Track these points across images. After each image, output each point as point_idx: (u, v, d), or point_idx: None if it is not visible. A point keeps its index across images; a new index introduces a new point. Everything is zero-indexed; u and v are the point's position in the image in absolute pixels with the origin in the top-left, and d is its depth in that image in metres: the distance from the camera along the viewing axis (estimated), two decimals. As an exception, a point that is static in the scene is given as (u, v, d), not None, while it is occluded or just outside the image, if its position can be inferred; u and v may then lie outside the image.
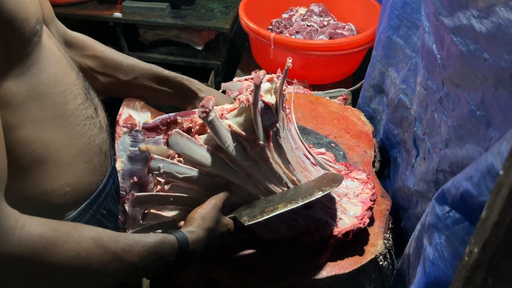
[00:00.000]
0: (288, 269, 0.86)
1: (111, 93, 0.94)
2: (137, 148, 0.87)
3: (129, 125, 0.89)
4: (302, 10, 1.93)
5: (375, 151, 1.16)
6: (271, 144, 0.81)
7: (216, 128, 0.76)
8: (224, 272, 0.87)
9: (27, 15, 0.58)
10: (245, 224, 0.76)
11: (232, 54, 2.12)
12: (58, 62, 0.69)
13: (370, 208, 0.94)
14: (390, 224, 0.97)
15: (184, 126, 0.87)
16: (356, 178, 1.01)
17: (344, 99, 1.55)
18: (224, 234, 0.76)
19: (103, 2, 1.99)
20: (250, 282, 0.86)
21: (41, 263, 0.54)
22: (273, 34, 1.55)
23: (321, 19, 1.85)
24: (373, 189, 0.99)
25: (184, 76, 0.96)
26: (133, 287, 0.99)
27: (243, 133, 0.78)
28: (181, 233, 0.70)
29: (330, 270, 0.86)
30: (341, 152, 1.15)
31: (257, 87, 0.76)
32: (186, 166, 0.79)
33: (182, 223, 0.78)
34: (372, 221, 0.95)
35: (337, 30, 1.75)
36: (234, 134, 0.78)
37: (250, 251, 0.89)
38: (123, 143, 0.88)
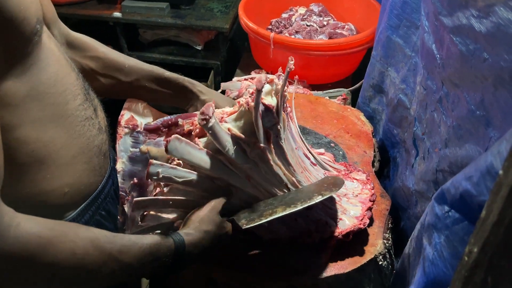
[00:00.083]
0: (288, 269, 0.86)
1: (113, 94, 0.93)
2: (138, 149, 0.87)
3: (130, 126, 0.89)
4: (301, 10, 1.93)
5: (374, 151, 1.16)
6: (272, 146, 0.81)
7: (216, 134, 0.76)
8: (224, 272, 0.87)
9: (27, 14, 0.58)
10: (243, 228, 0.76)
11: (232, 54, 2.12)
12: (58, 62, 0.69)
13: (370, 209, 0.94)
14: (389, 224, 0.97)
15: (185, 128, 0.86)
16: (356, 179, 1.01)
17: (343, 99, 1.55)
18: (222, 236, 0.76)
19: (102, 2, 1.99)
20: (250, 282, 0.86)
21: (36, 262, 0.54)
22: (273, 34, 1.55)
23: (321, 19, 1.85)
24: (372, 189, 0.99)
25: (186, 78, 0.95)
26: (132, 287, 0.99)
27: (243, 136, 0.78)
28: (178, 235, 0.70)
29: (330, 270, 0.86)
30: (340, 152, 1.15)
31: (259, 91, 0.75)
32: (185, 170, 0.79)
33: (180, 223, 0.78)
34: (371, 221, 0.95)
35: (337, 30, 1.75)
36: (234, 138, 0.78)
37: (250, 251, 0.89)
38: (124, 144, 0.88)
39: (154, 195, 0.83)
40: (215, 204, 0.78)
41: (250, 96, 0.79)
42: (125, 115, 0.90)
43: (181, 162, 0.81)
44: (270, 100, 0.79)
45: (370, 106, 1.41)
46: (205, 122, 0.75)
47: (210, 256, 0.80)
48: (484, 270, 0.38)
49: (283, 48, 1.55)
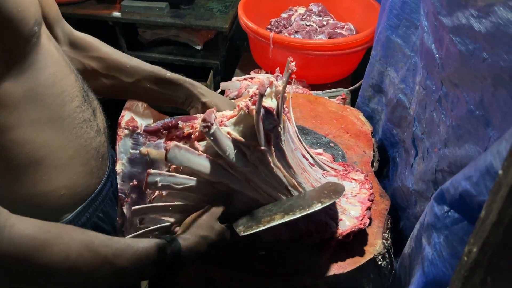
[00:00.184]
0: (288, 269, 0.86)
1: (114, 94, 0.93)
2: (138, 151, 0.87)
3: (130, 128, 0.88)
4: (301, 10, 1.93)
5: (374, 151, 1.16)
6: (272, 148, 0.81)
7: (217, 140, 0.76)
8: (223, 272, 0.87)
9: (26, 15, 0.58)
10: (240, 235, 0.76)
11: (231, 53, 2.12)
12: (56, 64, 0.68)
13: (369, 208, 0.94)
14: (389, 224, 0.97)
15: (185, 131, 0.86)
16: (354, 179, 1.01)
17: (343, 98, 1.55)
18: (219, 242, 0.76)
19: (102, 2, 1.99)
20: (250, 282, 0.86)
21: (29, 264, 0.54)
22: (272, 34, 1.55)
23: (320, 18, 1.85)
24: (370, 189, 0.99)
25: (187, 79, 0.95)
26: (131, 286, 0.98)
27: (243, 139, 0.78)
28: (175, 239, 0.70)
29: (329, 269, 0.86)
30: (340, 152, 1.15)
31: (262, 95, 0.75)
32: (184, 176, 0.79)
33: (177, 228, 0.78)
34: (370, 221, 0.95)
35: (336, 30, 1.75)
36: (234, 142, 0.78)
37: (250, 251, 0.89)
38: (124, 145, 0.87)
39: (153, 198, 0.83)
40: (214, 210, 0.78)
41: (249, 99, 0.79)
42: (125, 116, 0.90)
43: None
44: (270, 103, 0.78)
45: (369, 106, 1.41)
46: (207, 130, 0.75)
47: (209, 257, 0.80)
48: (483, 270, 0.38)
49: (283, 48, 1.55)
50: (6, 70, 0.59)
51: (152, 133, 0.88)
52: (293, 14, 1.90)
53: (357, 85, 1.61)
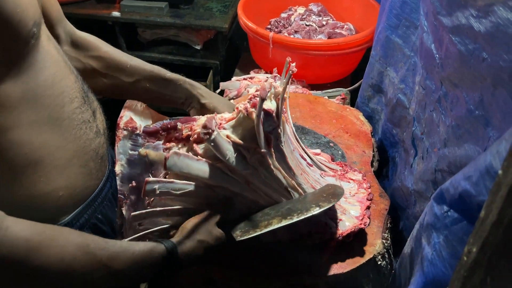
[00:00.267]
0: (288, 269, 0.86)
1: (114, 94, 0.93)
2: (137, 152, 0.87)
3: (129, 128, 0.88)
4: (301, 10, 1.93)
5: (373, 151, 1.16)
6: (272, 150, 0.81)
7: (218, 146, 0.76)
8: (223, 272, 0.87)
9: (24, 17, 0.58)
10: (237, 240, 0.76)
11: (231, 53, 2.12)
12: (56, 65, 0.68)
13: (368, 207, 0.94)
14: (388, 224, 0.97)
15: (184, 133, 0.86)
16: (352, 179, 1.01)
17: (342, 98, 1.55)
18: (216, 247, 0.76)
19: (101, 1, 1.99)
20: (249, 282, 0.86)
21: (24, 266, 0.54)
22: (272, 34, 1.55)
23: (320, 18, 1.85)
24: (368, 188, 0.99)
25: (187, 80, 0.94)
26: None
27: (243, 143, 0.78)
28: (171, 243, 0.70)
29: (329, 269, 0.86)
30: (339, 152, 1.15)
31: (263, 100, 0.75)
32: (182, 182, 0.79)
33: (174, 232, 0.78)
34: (369, 220, 0.95)
35: (336, 30, 1.75)
36: (234, 145, 0.78)
37: (250, 251, 0.89)
38: (123, 146, 0.87)
39: (152, 200, 0.83)
40: (213, 214, 0.78)
41: (248, 102, 0.79)
42: (124, 117, 0.89)
43: None
44: (270, 104, 0.78)
45: (369, 106, 1.41)
46: (208, 136, 0.75)
47: (207, 259, 0.80)
48: (483, 270, 0.38)
49: (282, 47, 1.55)
50: (5, 71, 0.58)
51: (151, 134, 0.88)
52: (292, 14, 1.90)
53: (356, 85, 1.61)
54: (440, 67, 0.81)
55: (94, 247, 0.60)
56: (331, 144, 1.17)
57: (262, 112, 0.76)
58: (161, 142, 0.87)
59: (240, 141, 0.78)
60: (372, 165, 1.12)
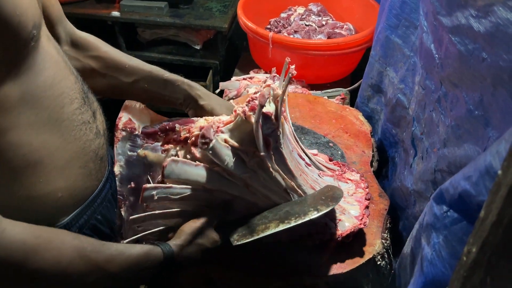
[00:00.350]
0: (288, 269, 0.86)
1: (113, 94, 0.92)
2: (135, 153, 0.86)
3: (128, 129, 0.88)
4: (300, 10, 1.93)
5: (373, 151, 1.16)
6: (271, 153, 0.80)
7: (217, 154, 0.76)
8: (223, 272, 0.87)
9: (24, 19, 0.57)
10: (234, 244, 0.76)
11: (231, 53, 2.12)
12: (55, 66, 0.68)
13: (366, 207, 0.94)
14: (388, 224, 0.97)
15: (182, 135, 0.86)
16: (350, 179, 1.01)
17: (342, 98, 1.55)
18: (214, 250, 0.76)
19: (101, 1, 1.99)
20: (249, 282, 0.86)
21: (20, 270, 0.54)
22: (272, 34, 1.55)
23: (320, 18, 1.85)
24: (366, 188, 0.99)
25: (185, 80, 0.93)
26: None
27: (241, 147, 0.78)
28: (168, 246, 0.70)
29: (329, 269, 0.86)
30: (339, 152, 1.15)
31: (262, 106, 0.75)
32: (181, 186, 0.79)
33: (173, 235, 0.78)
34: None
35: (336, 30, 1.75)
36: (232, 149, 0.78)
37: (250, 251, 0.89)
38: (122, 147, 0.87)
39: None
40: (211, 217, 0.78)
41: (246, 105, 0.78)
42: (123, 118, 0.89)
43: None
44: (268, 107, 0.77)
45: (368, 106, 1.41)
46: (206, 146, 0.74)
47: (205, 261, 0.80)
48: (483, 270, 0.38)
49: (282, 47, 1.55)
50: (4, 73, 0.58)
51: (149, 135, 0.88)
52: (292, 14, 1.90)
53: (356, 85, 1.61)
54: (440, 67, 0.81)
55: (90, 250, 0.60)
56: (330, 144, 1.17)
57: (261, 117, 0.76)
58: (159, 143, 0.87)
59: (240, 146, 0.78)
60: (371, 165, 1.12)
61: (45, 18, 0.71)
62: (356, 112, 1.30)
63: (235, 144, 0.78)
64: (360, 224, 0.89)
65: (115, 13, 1.92)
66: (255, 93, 0.80)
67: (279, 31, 1.81)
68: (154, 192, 0.77)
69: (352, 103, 1.58)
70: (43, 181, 0.65)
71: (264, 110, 0.76)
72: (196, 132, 0.83)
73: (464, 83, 0.71)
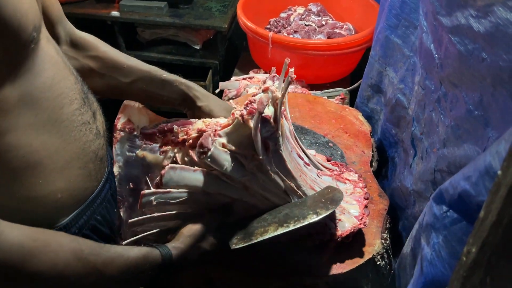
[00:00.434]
0: (288, 269, 0.86)
1: (112, 95, 0.92)
2: (134, 154, 0.86)
3: (127, 130, 0.88)
4: (300, 10, 1.93)
5: (372, 151, 1.16)
6: (270, 155, 0.80)
7: (215, 161, 0.75)
8: (223, 272, 0.87)
9: (24, 21, 0.57)
10: (232, 248, 0.76)
11: (230, 53, 2.12)
12: (55, 67, 0.67)
13: (365, 207, 0.94)
14: (387, 224, 0.97)
15: (179, 137, 0.86)
16: (348, 179, 1.01)
17: (342, 98, 1.55)
18: (212, 252, 0.76)
19: (100, 1, 1.99)
20: (249, 282, 0.86)
21: (17, 273, 0.53)
22: (271, 34, 1.55)
23: (319, 18, 1.85)
24: (364, 187, 0.99)
25: (183, 81, 0.92)
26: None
27: (240, 151, 0.77)
28: (167, 248, 0.70)
29: (329, 269, 0.86)
30: (339, 152, 1.15)
31: (260, 113, 0.74)
32: (179, 190, 0.79)
33: (172, 237, 0.78)
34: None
35: (335, 30, 1.75)
36: (231, 153, 0.77)
37: (250, 251, 0.89)
38: (120, 148, 0.87)
39: None
40: (210, 220, 0.78)
41: (244, 108, 0.77)
42: (121, 118, 0.89)
43: None
44: (267, 110, 0.77)
45: (368, 106, 1.41)
46: (204, 156, 0.74)
47: (204, 261, 0.80)
48: (482, 270, 0.38)
49: (282, 47, 1.55)
50: (3, 75, 0.58)
51: (147, 137, 0.88)
52: (292, 14, 1.90)
53: (356, 85, 1.61)
54: (440, 67, 0.81)
55: (88, 253, 0.60)
56: (330, 144, 1.17)
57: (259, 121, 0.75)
58: (158, 145, 0.87)
59: (238, 150, 0.77)
60: (371, 165, 1.12)
61: (45, 18, 0.71)
62: (356, 112, 1.30)
63: (233, 148, 0.77)
64: (360, 224, 0.89)
65: (115, 13, 1.92)
66: (253, 95, 0.79)
67: (279, 31, 1.81)
68: (152, 198, 0.77)
69: (351, 103, 1.58)
70: (42, 182, 0.64)
71: (263, 114, 0.76)
72: (194, 135, 0.82)
73: (463, 83, 0.71)
